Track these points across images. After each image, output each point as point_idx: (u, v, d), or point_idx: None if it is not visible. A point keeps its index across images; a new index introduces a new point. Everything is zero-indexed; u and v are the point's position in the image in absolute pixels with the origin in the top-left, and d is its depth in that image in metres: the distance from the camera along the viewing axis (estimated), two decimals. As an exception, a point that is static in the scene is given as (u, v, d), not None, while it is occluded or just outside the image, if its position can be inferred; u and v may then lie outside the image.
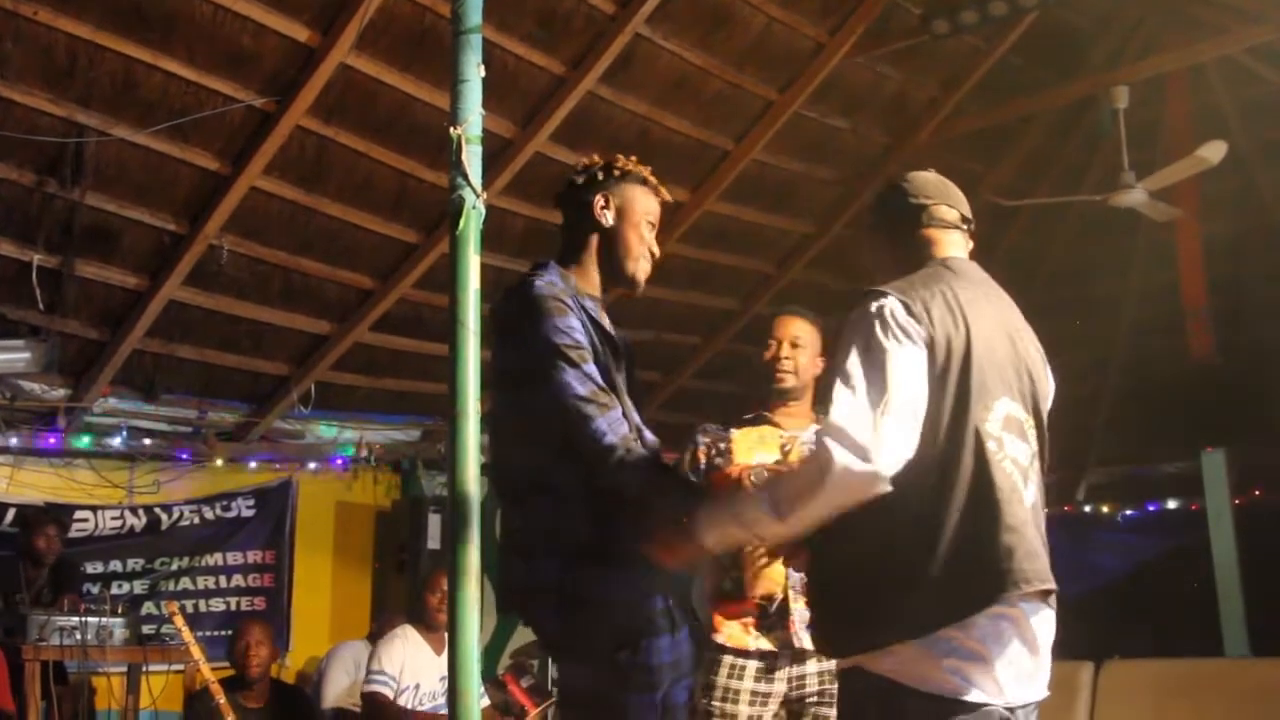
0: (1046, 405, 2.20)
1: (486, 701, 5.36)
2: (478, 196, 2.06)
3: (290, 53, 5.08)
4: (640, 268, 2.50)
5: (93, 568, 6.23)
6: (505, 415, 2.37)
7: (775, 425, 3.35)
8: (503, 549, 2.33)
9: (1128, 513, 8.87)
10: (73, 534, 6.07)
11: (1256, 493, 7.96)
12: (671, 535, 2.14)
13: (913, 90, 7.02)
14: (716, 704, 3.15)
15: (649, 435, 2.36)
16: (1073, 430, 7.92)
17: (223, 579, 6.75)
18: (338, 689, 5.67)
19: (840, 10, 6.19)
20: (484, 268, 2.06)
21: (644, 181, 2.52)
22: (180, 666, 5.33)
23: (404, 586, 6.82)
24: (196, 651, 4.82)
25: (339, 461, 7.20)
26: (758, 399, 3.44)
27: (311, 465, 7.12)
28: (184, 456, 6.61)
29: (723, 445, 3.32)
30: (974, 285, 2.16)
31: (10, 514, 5.97)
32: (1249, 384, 7.58)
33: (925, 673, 1.93)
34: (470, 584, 1.92)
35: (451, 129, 2.06)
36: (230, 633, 5.74)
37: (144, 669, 5.23)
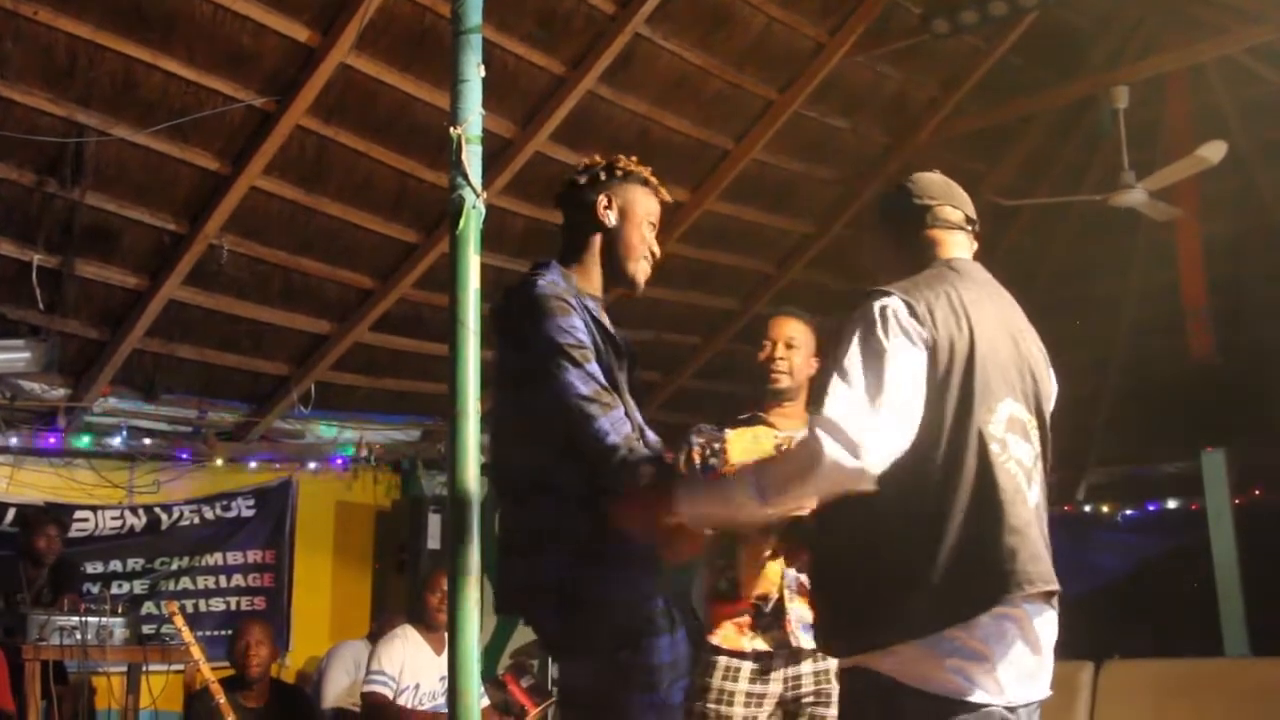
0: (1049, 406, 2.20)
1: (486, 701, 5.36)
2: (478, 196, 2.05)
3: (290, 52, 5.08)
4: (641, 268, 2.50)
5: (93, 568, 6.24)
6: (507, 415, 2.37)
7: (770, 425, 3.35)
8: (503, 548, 2.33)
9: (1128, 513, 8.88)
10: (73, 534, 6.07)
11: (1256, 493, 7.97)
12: (645, 503, 2.13)
13: (913, 90, 7.03)
14: (711, 706, 3.12)
15: (651, 435, 2.37)
16: (1073, 430, 7.92)
17: (223, 579, 6.75)
18: (338, 689, 5.67)
19: (840, 10, 6.19)
20: (484, 268, 2.06)
21: (645, 182, 2.52)
22: (180, 666, 5.33)
23: (404, 586, 6.82)
24: (196, 651, 4.83)
25: (339, 461, 7.20)
26: (752, 399, 3.44)
27: (311, 465, 7.13)
28: (184, 456, 6.61)
29: (717, 445, 3.32)
30: (978, 286, 2.16)
31: (10, 514, 5.97)
32: (1249, 384, 7.59)
33: (927, 673, 1.94)
34: (470, 584, 1.92)
35: (451, 129, 2.06)
36: (230, 633, 5.74)
37: (144, 669, 5.23)
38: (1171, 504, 8.63)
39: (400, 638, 5.13)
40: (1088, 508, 8.89)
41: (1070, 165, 8.08)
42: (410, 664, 5.05)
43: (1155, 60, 6.83)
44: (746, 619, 3.16)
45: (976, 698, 1.93)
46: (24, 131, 4.87)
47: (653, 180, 2.53)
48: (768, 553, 3.16)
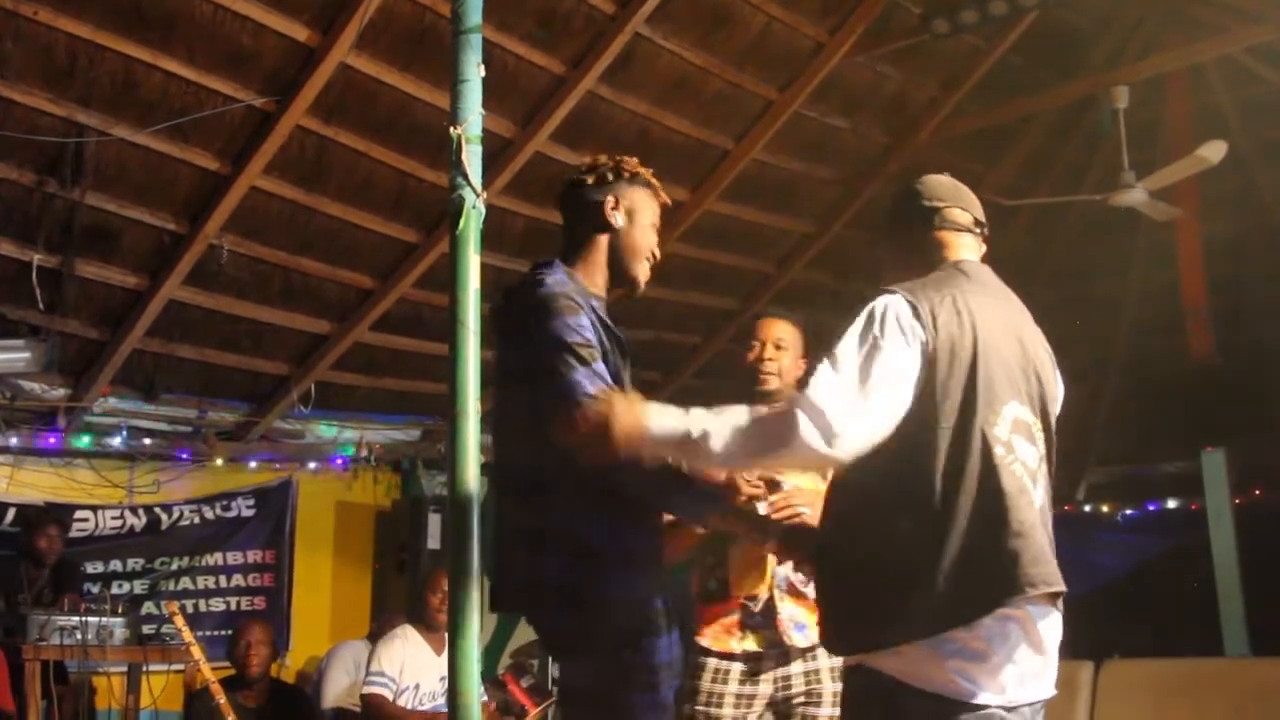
0: (1055, 408, 2.20)
1: (486, 700, 5.36)
2: (478, 196, 2.06)
3: (290, 52, 5.08)
4: (644, 269, 2.51)
5: (93, 567, 6.24)
6: (509, 414, 2.37)
7: None
8: (504, 548, 2.33)
9: (1128, 512, 8.88)
10: (73, 534, 6.07)
11: (1256, 492, 7.97)
12: (612, 413, 2.06)
13: (913, 90, 7.02)
14: (700, 709, 3.08)
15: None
16: (1073, 430, 7.89)
17: (223, 579, 6.75)
18: (338, 689, 5.67)
19: (840, 10, 6.19)
20: (484, 267, 2.06)
21: (649, 184, 2.53)
22: (180, 666, 5.33)
23: (404, 586, 6.82)
24: (196, 651, 4.83)
25: (339, 461, 7.20)
26: (740, 400, 3.42)
27: (311, 465, 7.13)
28: (184, 456, 6.61)
29: None
30: (984, 288, 2.17)
31: (10, 514, 5.97)
32: (1249, 384, 7.59)
33: (930, 673, 1.94)
34: (470, 584, 1.92)
35: (451, 129, 2.06)
36: (230, 632, 5.74)
37: (144, 669, 5.23)
38: (1171, 504, 8.63)
39: (400, 638, 5.13)
40: (1088, 508, 8.89)
41: (1070, 165, 8.08)
42: (410, 664, 5.05)
43: (1155, 60, 6.83)
44: (735, 619, 3.12)
45: (978, 699, 1.93)
46: (24, 131, 4.87)
47: (654, 182, 2.54)
48: (765, 553, 3.13)
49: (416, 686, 5.03)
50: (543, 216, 6.20)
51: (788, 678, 3.10)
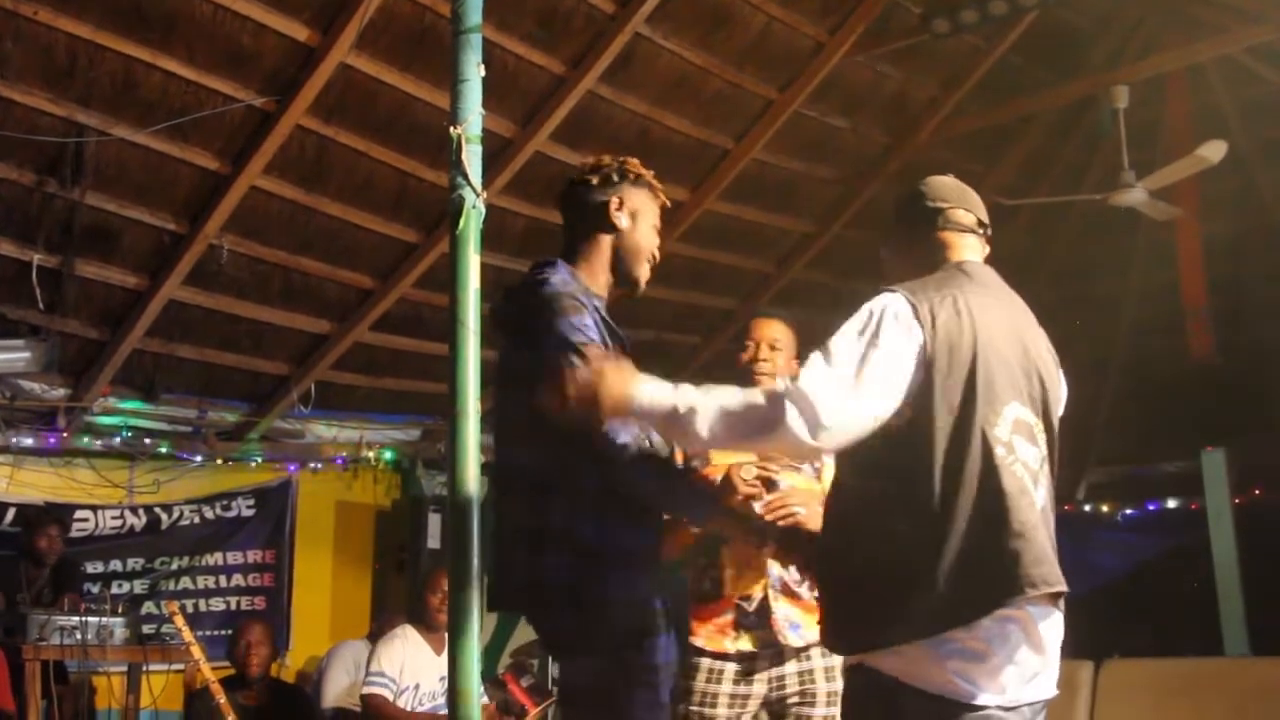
0: (1058, 409, 2.20)
1: (486, 700, 5.36)
2: (478, 196, 2.06)
3: (290, 52, 5.08)
4: (645, 270, 2.52)
5: (93, 567, 6.24)
6: (510, 413, 2.37)
7: None
8: (505, 547, 2.33)
9: (1128, 512, 8.87)
10: (73, 534, 6.07)
11: (1256, 492, 7.97)
12: (588, 384, 2.06)
13: (913, 90, 7.02)
14: (695, 709, 3.07)
15: (656, 434, 2.36)
16: (1073, 430, 7.90)
17: (223, 578, 6.75)
18: (338, 689, 5.67)
19: (840, 9, 6.19)
20: (484, 267, 2.06)
21: (651, 186, 2.54)
22: (180, 666, 5.33)
23: (404, 586, 6.82)
24: (196, 651, 4.83)
25: (339, 461, 7.20)
26: None
27: (311, 465, 7.13)
28: (184, 456, 6.61)
29: None
30: (986, 289, 2.17)
31: (10, 514, 5.98)
32: (1249, 384, 7.59)
33: (929, 673, 1.94)
34: (470, 584, 1.92)
35: (451, 128, 2.06)
36: (230, 632, 5.74)
37: (144, 668, 5.23)
38: (1171, 504, 8.63)
39: (400, 638, 5.13)
40: (1088, 507, 8.89)
41: (1070, 165, 8.08)
42: (410, 664, 5.05)
43: (1155, 60, 6.83)
44: (730, 619, 3.10)
45: (978, 700, 1.93)
46: (24, 131, 4.87)
47: (656, 184, 2.55)
48: (761, 554, 3.12)
49: (416, 686, 5.03)
50: (543, 216, 6.20)
51: (782, 678, 3.10)
